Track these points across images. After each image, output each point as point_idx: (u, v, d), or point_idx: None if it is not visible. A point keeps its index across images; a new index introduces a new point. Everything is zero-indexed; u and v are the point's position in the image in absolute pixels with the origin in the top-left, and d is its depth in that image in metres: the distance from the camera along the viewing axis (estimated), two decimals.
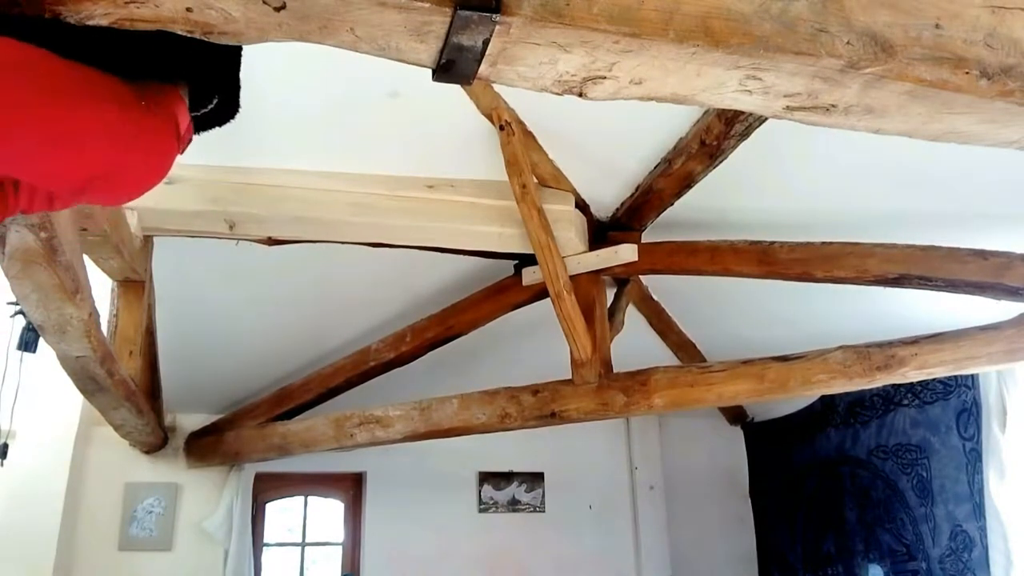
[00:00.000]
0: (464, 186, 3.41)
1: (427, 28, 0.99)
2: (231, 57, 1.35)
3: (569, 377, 3.57)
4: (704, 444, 6.01)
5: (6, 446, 3.37)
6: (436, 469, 5.23)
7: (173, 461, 4.75)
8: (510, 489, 5.49)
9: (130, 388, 3.13)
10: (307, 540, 5.21)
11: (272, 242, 3.33)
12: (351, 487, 5.28)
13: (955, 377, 4.14)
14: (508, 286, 3.96)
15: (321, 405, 4.40)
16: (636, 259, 3.64)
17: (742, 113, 2.59)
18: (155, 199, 2.93)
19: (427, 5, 0.95)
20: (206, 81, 1.32)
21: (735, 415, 6.01)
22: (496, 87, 2.98)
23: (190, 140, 1.36)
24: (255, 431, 4.42)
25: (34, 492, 4.21)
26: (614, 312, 3.79)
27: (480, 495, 5.42)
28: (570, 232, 3.51)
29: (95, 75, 1.14)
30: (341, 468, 5.16)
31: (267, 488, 5.05)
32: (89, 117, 1.13)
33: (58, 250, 1.80)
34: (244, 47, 1.34)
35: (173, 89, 1.29)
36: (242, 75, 1.38)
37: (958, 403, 4.28)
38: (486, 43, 1.00)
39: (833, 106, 1.17)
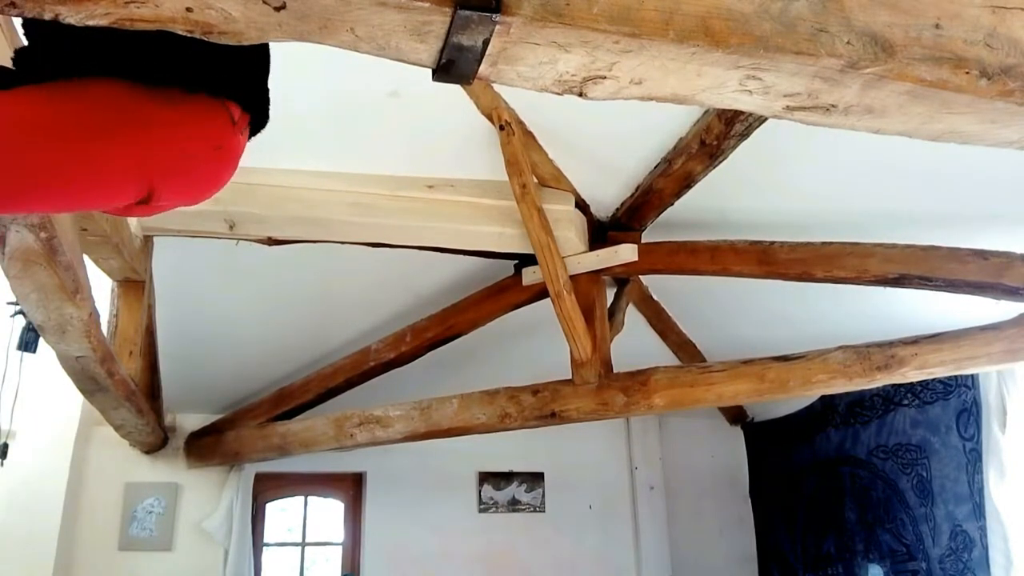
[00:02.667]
0: (464, 186, 3.41)
1: (427, 28, 0.99)
2: (258, 69, 1.36)
3: (569, 377, 3.57)
4: (704, 444, 6.01)
5: (6, 446, 3.37)
6: (436, 469, 5.23)
7: (173, 461, 4.75)
8: (510, 489, 5.49)
9: (130, 388, 3.13)
10: (307, 540, 5.20)
11: (272, 242, 3.34)
12: (351, 487, 5.28)
13: (955, 377, 4.14)
14: (508, 286, 3.96)
15: (321, 405, 4.40)
16: (636, 259, 3.64)
17: (742, 113, 2.59)
18: None
19: (427, 5, 0.95)
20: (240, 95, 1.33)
21: (735, 415, 6.01)
22: (496, 87, 2.99)
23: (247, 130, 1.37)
24: (255, 431, 4.42)
25: (34, 492, 4.20)
26: (614, 312, 3.79)
27: (480, 495, 5.42)
28: (570, 232, 3.51)
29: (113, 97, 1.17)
30: (341, 468, 5.16)
31: (267, 488, 5.05)
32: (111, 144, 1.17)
33: (58, 250, 1.80)
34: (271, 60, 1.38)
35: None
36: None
37: (958, 403, 4.28)
38: (486, 43, 1.00)
39: (833, 106, 1.17)
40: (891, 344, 3.10)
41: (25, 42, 1.27)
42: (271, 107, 1.40)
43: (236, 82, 1.31)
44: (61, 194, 1.24)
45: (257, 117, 1.37)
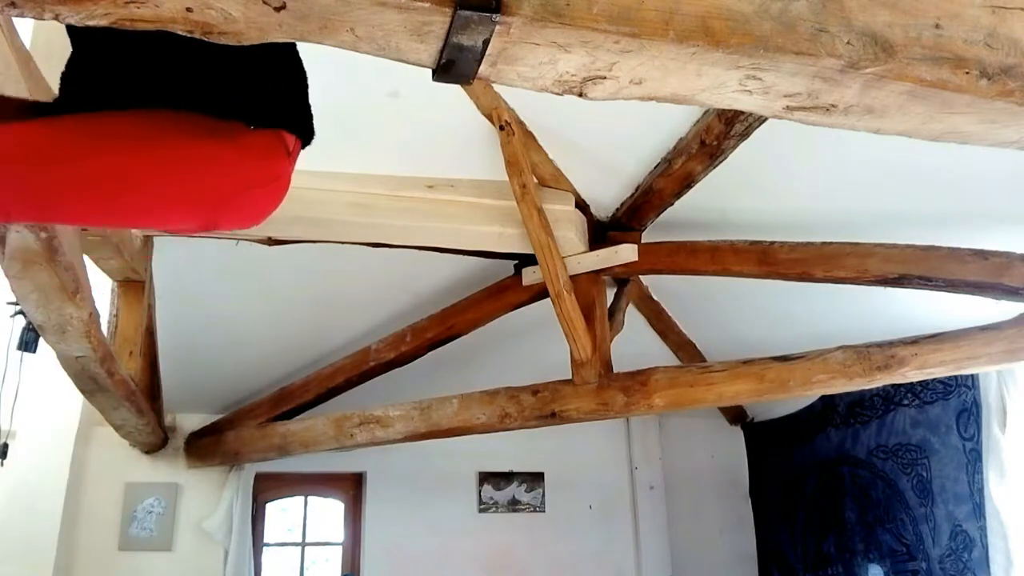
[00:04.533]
0: (464, 186, 3.41)
1: (427, 28, 0.99)
2: (300, 92, 1.41)
3: (569, 377, 3.57)
4: (704, 444, 6.01)
5: (6, 446, 3.37)
6: (436, 469, 5.23)
7: (173, 461, 4.74)
8: (510, 489, 5.48)
9: (130, 388, 3.13)
10: (307, 540, 5.20)
11: (272, 242, 3.33)
12: (351, 487, 5.27)
13: (955, 377, 4.14)
14: (508, 286, 3.96)
15: (321, 405, 4.40)
16: (636, 259, 3.64)
17: (742, 113, 2.59)
18: None
19: (427, 5, 0.95)
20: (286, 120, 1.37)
21: (735, 415, 6.01)
22: (496, 87, 2.99)
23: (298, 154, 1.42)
24: (255, 431, 4.42)
25: (34, 492, 4.20)
26: (614, 312, 3.79)
27: (480, 495, 5.42)
28: (570, 232, 3.51)
29: (171, 123, 1.23)
30: (341, 468, 5.15)
31: (267, 488, 5.05)
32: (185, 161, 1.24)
33: (58, 250, 1.81)
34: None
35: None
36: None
37: (958, 403, 4.28)
38: (486, 43, 1.00)
39: (833, 106, 1.17)
40: (891, 344, 3.10)
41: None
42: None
43: (292, 113, 1.36)
44: (113, 214, 1.31)
45: (306, 138, 1.42)
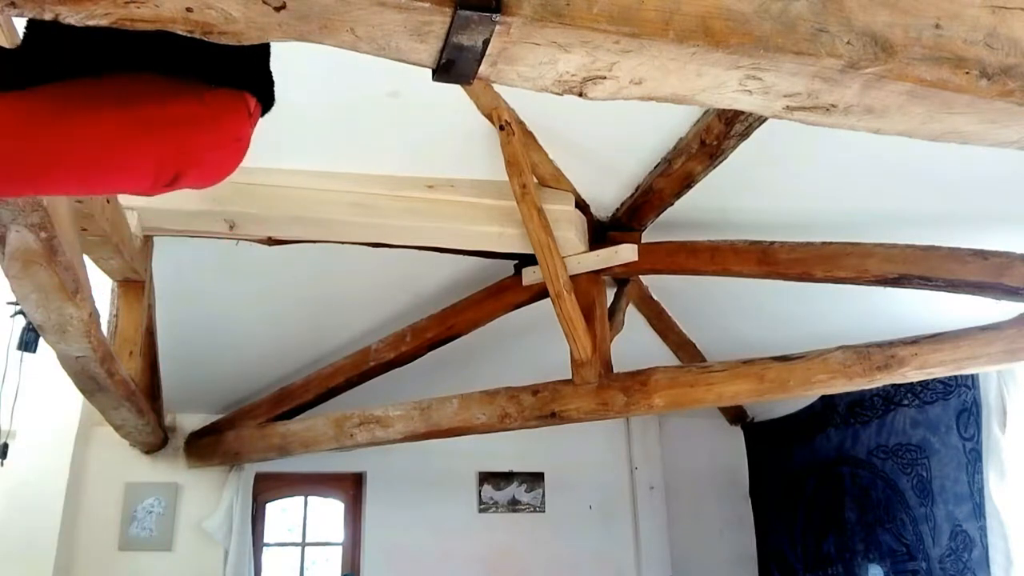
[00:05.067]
0: (464, 186, 3.41)
1: (427, 28, 0.99)
2: (261, 56, 1.42)
3: (569, 377, 3.57)
4: (704, 444, 6.01)
5: (6, 446, 3.37)
6: (436, 469, 5.23)
7: (173, 461, 4.74)
8: (510, 489, 5.49)
9: (130, 388, 3.13)
10: (307, 540, 5.21)
11: (272, 242, 3.33)
12: (351, 487, 5.28)
13: (955, 377, 4.14)
14: (508, 286, 3.96)
15: (321, 405, 4.40)
16: (636, 259, 3.64)
17: (742, 113, 2.59)
18: (155, 199, 2.93)
19: (427, 5, 0.95)
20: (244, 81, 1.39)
21: (735, 415, 6.01)
22: (496, 87, 2.98)
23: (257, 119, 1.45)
24: (255, 431, 4.42)
25: (34, 492, 4.20)
26: (614, 312, 3.79)
27: (480, 495, 5.42)
28: (570, 232, 3.51)
29: (127, 85, 1.24)
30: (341, 468, 5.16)
31: (267, 488, 5.05)
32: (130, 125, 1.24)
33: (58, 250, 1.81)
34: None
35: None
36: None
37: (958, 403, 4.28)
38: (486, 43, 1.00)
39: (833, 106, 1.17)
40: (891, 344, 3.10)
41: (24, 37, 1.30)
42: (276, 104, 1.45)
43: (253, 75, 1.37)
44: (89, 180, 1.33)
45: (267, 103, 1.43)
